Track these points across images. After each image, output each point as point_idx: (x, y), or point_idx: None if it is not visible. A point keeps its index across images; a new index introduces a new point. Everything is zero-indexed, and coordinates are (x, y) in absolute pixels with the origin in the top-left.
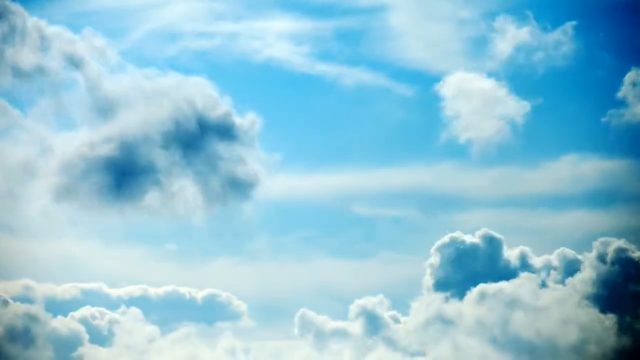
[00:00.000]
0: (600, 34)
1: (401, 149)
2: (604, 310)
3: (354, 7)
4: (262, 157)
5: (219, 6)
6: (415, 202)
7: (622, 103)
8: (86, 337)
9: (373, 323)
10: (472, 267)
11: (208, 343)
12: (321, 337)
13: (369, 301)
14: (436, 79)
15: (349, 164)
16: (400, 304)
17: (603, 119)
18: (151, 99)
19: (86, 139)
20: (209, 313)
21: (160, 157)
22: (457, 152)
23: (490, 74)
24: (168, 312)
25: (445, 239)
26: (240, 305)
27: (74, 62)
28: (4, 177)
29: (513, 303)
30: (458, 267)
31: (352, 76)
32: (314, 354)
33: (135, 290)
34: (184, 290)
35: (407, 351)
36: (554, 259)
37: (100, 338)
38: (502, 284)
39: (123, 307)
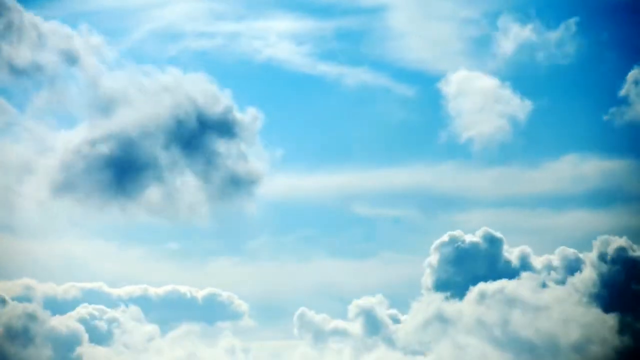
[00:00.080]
0: (602, 32)
1: (401, 149)
2: (605, 309)
3: (355, 7)
4: (263, 153)
5: (220, 6)
6: (415, 202)
7: (624, 101)
8: (85, 336)
9: (373, 323)
10: (472, 267)
11: (208, 342)
12: (321, 336)
13: (369, 301)
14: (437, 78)
15: (349, 163)
16: (401, 303)
17: (605, 117)
18: (151, 96)
19: (85, 136)
20: (210, 312)
21: (161, 154)
22: (458, 152)
23: (491, 73)
24: (168, 311)
25: (445, 237)
26: (241, 305)
27: (71, 59)
28: (3, 176)
29: (513, 302)
30: (458, 267)
31: (353, 76)
32: (314, 353)
33: (135, 289)
34: (185, 289)
35: (407, 351)
36: (554, 258)
37: (100, 337)
38: (503, 283)
39: (123, 306)
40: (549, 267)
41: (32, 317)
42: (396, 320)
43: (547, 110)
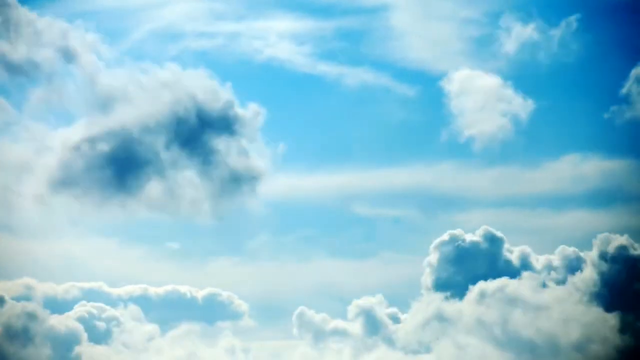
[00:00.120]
0: (604, 30)
1: (402, 148)
2: (606, 308)
3: (356, 6)
4: (265, 150)
5: (220, 6)
6: (415, 202)
7: (625, 100)
8: (85, 335)
9: (372, 323)
10: (473, 266)
11: (208, 342)
12: (321, 336)
13: (369, 301)
14: (438, 78)
15: (349, 163)
16: (401, 303)
17: (605, 115)
18: (150, 92)
19: (84, 133)
20: (210, 312)
21: (161, 150)
22: (458, 151)
23: (492, 73)
24: (168, 311)
25: (445, 236)
26: (242, 305)
27: (69, 56)
28: (2, 176)
29: (514, 302)
30: (458, 266)
31: (354, 76)
32: (314, 353)
33: (135, 289)
34: (185, 289)
35: (407, 350)
36: (555, 258)
37: (99, 336)
38: (503, 281)
39: (122, 306)
40: (550, 267)
41: (31, 316)
42: (396, 320)
43: (548, 109)
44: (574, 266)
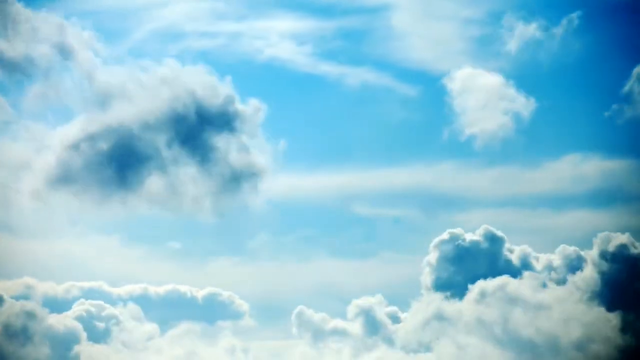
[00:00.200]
0: (606, 29)
1: (402, 148)
2: (607, 307)
3: (357, 6)
4: (265, 147)
5: (221, 6)
6: (415, 202)
7: (627, 99)
8: (84, 334)
9: (372, 323)
10: (473, 266)
11: (208, 342)
12: (320, 336)
13: (368, 301)
14: (440, 78)
15: (349, 163)
16: (401, 303)
17: (606, 113)
18: (149, 88)
19: (83, 130)
20: (210, 312)
21: (161, 146)
22: (459, 151)
23: (494, 72)
24: (168, 310)
25: (445, 235)
26: (242, 305)
27: (66, 52)
28: (1, 175)
29: (514, 301)
30: (458, 265)
31: (355, 76)
32: (313, 353)
33: (135, 289)
34: (185, 288)
35: (407, 350)
36: (555, 258)
37: (98, 335)
38: (503, 279)
39: (122, 305)
40: (550, 266)
41: (30, 315)
42: (396, 319)
43: (550, 108)
44: (574, 265)
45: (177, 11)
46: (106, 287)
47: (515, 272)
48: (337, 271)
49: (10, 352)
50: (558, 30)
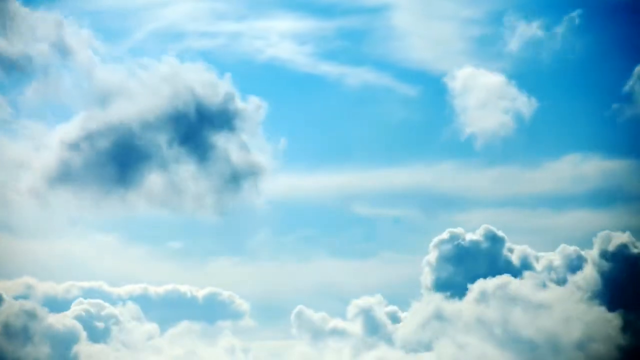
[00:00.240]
0: (607, 28)
1: (402, 148)
2: (607, 307)
3: (358, 6)
4: (265, 146)
5: (222, 6)
6: (415, 202)
7: (628, 98)
8: (83, 334)
9: (372, 323)
10: (473, 265)
11: (207, 342)
12: (320, 335)
13: (368, 301)
14: (440, 78)
15: (349, 163)
16: (401, 304)
17: (607, 112)
18: (149, 86)
19: (82, 129)
20: (210, 312)
21: (161, 145)
22: (459, 150)
23: (494, 72)
24: (168, 310)
25: (445, 235)
26: (242, 305)
27: (65, 51)
28: (1, 174)
29: (515, 301)
30: (457, 265)
31: (355, 76)
32: (313, 352)
33: (135, 288)
34: (185, 288)
35: (407, 350)
36: (556, 257)
37: (98, 335)
38: (504, 278)
39: (122, 304)
40: (550, 266)
41: (29, 314)
42: (396, 319)
43: (551, 108)
44: (574, 265)
45: (178, 11)
46: (106, 287)
47: (515, 272)
48: (337, 271)
49: (9, 351)
50: (558, 30)
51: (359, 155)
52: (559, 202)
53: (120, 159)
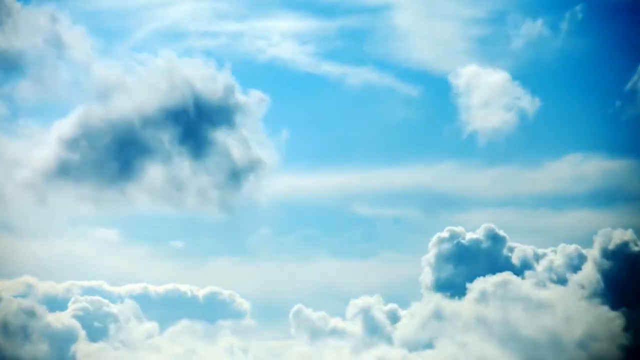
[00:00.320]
0: (609, 27)
1: (402, 148)
2: (609, 305)
3: (359, 6)
4: (266, 144)
5: (223, 5)
6: (416, 202)
7: (630, 96)
8: (82, 332)
9: (372, 322)
10: (473, 265)
11: (207, 341)
12: (319, 335)
13: (367, 301)
14: (441, 78)
15: (349, 163)
16: (401, 304)
17: (610, 110)
18: (147, 81)
19: (79, 125)
20: (210, 311)
21: (160, 140)
22: (459, 150)
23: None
24: (168, 309)
25: (444, 233)
26: (243, 304)
27: (60, 46)
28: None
29: (515, 300)
30: (458, 265)
31: (357, 76)
32: (312, 352)
33: (136, 288)
34: (185, 288)
35: (407, 348)
36: (556, 256)
37: (97, 333)
38: (504, 277)
39: (121, 303)
40: (551, 265)
41: (28, 313)
42: (396, 317)
43: (553, 106)
44: (575, 264)
45: (179, 11)
46: (107, 287)
47: (516, 271)
48: (337, 271)
49: (8, 350)
50: (561, 29)
51: (360, 155)
52: (559, 202)
53: (119, 155)
